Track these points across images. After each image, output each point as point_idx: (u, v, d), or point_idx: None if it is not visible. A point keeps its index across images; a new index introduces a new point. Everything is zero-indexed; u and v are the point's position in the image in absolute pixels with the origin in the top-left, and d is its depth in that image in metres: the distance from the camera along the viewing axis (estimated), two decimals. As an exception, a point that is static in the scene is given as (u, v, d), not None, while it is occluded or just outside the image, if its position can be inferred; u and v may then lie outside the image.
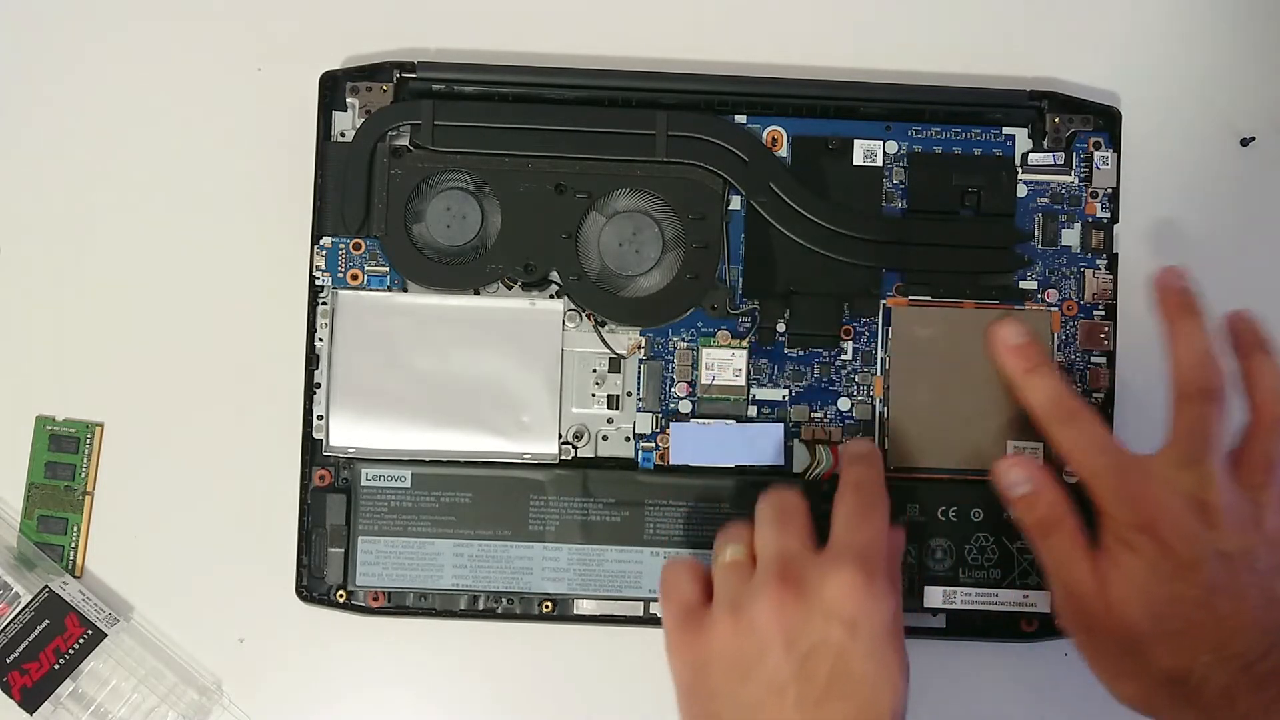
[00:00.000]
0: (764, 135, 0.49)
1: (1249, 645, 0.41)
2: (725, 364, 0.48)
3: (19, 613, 0.47)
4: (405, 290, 0.48)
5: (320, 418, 0.48)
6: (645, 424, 0.48)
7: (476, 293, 0.48)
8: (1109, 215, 0.49)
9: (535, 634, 0.49)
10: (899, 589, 0.44)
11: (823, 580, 0.41)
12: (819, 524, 0.46)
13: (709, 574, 0.43)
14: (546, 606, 0.48)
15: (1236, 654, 0.41)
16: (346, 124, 0.49)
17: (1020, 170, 0.49)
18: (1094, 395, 0.48)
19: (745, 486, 0.48)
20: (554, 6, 0.51)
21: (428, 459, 0.48)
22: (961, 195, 0.49)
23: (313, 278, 0.48)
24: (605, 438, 0.48)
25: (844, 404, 0.48)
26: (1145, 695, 0.42)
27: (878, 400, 0.48)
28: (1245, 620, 0.41)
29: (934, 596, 0.48)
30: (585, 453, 0.48)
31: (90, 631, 0.48)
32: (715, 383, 0.48)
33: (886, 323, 0.49)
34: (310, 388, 0.48)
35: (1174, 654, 0.41)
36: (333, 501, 0.48)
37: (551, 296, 0.48)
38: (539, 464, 0.48)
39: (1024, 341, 0.46)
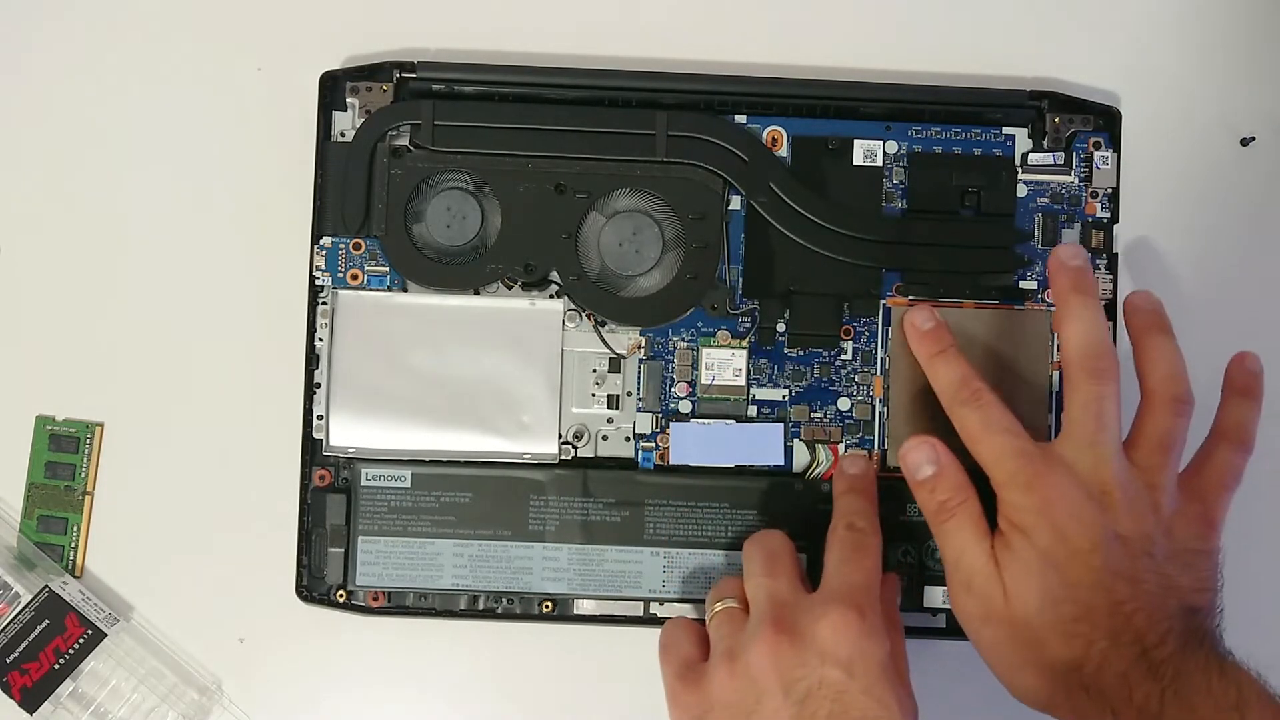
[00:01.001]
0: (764, 135, 0.49)
1: (1144, 631, 0.41)
2: (725, 364, 0.48)
3: (19, 613, 0.47)
4: (405, 290, 0.48)
5: (320, 418, 0.48)
6: (645, 424, 0.48)
7: (476, 293, 0.48)
8: (1109, 215, 0.49)
9: (535, 634, 0.49)
10: (899, 630, 0.44)
11: (816, 622, 0.41)
12: (815, 524, 0.46)
13: (706, 632, 0.44)
14: (546, 606, 0.48)
15: (1132, 640, 0.40)
16: (346, 124, 0.49)
17: (1020, 170, 0.49)
18: (1094, 395, 0.48)
19: (745, 486, 0.48)
20: (554, 6, 0.51)
21: (428, 459, 0.48)
22: (961, 195, 0.49)
23: (313, 278, 0.48)
24: (605, 438, 0.48)
25: (844, 404, 0.48)
26: (1043, 688, 0.42)
27: (878, 400, 0.48)
28: (1141, 605, 0.41)
29: (934, 596, 0.48)
30: (585, 453, 0.48)
31: (90, 631, 0.48)
32: (715, 383, 0.48)
33: (886, 323, 0.49)
34: (310, 388, 0.48)
35: (1070, 641, 0.41)
36: (333, 501, 0.48)
37: (551, 296, 0.48)
38: (539, 464, 0.48)
39: (932, 326, 0.46)
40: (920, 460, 0.44)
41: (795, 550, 0.45)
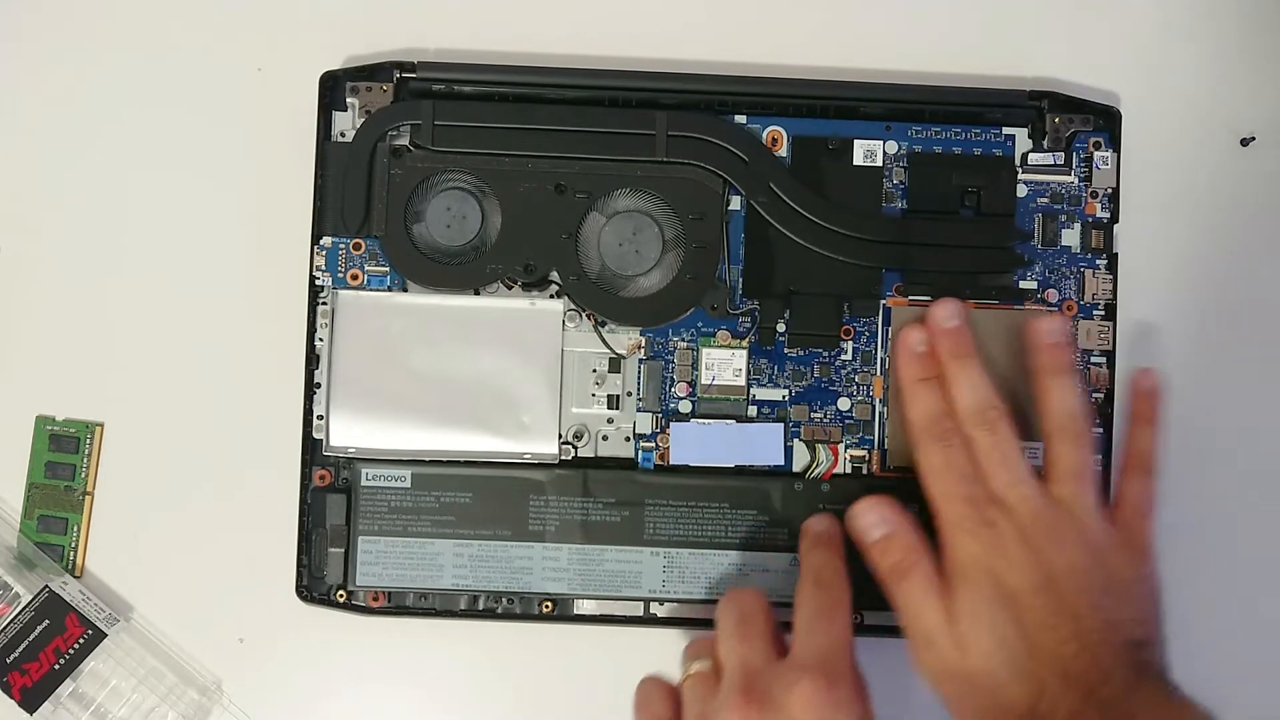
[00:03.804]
0: (764, 135, 0.49)
1: (1089, 669, 0.41)
2: (725, 364, 0.48)
3: (19, 613, 0.47)
4: (405, 290, 0.48)
5: (320, 418, 0.48)
6: (645, 424, 0.48)
7: (476, 293, 0.48)
8: (1109, 215, 0.49)
9: (535, 634, 0.49)
10: (865, 690, 0.43)
11: (786, 692, 0.41)
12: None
13: (678, 692, 0.44)
14: (546, 606, 0.48)
15: (1078, 678, 0.40)
16: (346, 124, 0.49)
17: (1020, 170, 0.49)
18: (1094, 395, 0.48)
19: (745, 486, 0.48)
20: (554, 6, 0.51)
21: (428, 459, 0.48)
22: (961, 195, 0.49)
23: (313, 278, 0.48)
24: (605, 438, 0.48)
25: (844, 404, 0.48)
26: None
27: (878, 400, 0.48)
28: (1085, 643, 0.41)
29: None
30: (585, 453, 0.48)
31: (90, 631, 0.48)
32: (715, 383, 0.48)
33: (886, 323, 0.49)
34: (310, 388, 0.48)
35: (1023, 682, 0.41)
36: (333, 501, 0.48)
37: (551, 296, 0.48)
38: (539, 464, 0.48)
39: (925, 350, 0.47)
40: (870, 523, 0.45)
41: (770, 609, 0.44)
